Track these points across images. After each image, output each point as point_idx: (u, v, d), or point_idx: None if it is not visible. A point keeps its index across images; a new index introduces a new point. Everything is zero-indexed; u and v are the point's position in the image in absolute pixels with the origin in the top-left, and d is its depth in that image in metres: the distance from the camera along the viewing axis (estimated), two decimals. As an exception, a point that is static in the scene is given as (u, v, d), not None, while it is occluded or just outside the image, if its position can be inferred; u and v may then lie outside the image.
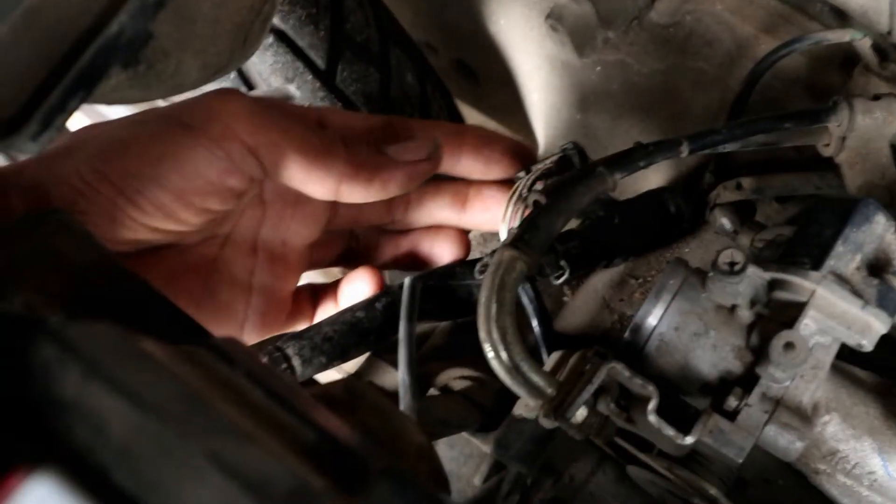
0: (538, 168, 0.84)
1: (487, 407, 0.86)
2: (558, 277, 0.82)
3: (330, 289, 0.85)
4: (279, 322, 0.82)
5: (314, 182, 0.73)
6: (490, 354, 0.71)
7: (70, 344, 0.37)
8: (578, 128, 1.05)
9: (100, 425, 0.37)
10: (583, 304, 0.94)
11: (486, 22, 1.11)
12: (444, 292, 0.85)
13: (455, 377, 0.87)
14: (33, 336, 0.38)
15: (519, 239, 0.71)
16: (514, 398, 0.86)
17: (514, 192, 0.82)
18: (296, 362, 0.79)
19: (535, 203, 0.76)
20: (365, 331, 0.83)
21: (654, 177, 0.98)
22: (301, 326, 0.84)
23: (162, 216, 0.70)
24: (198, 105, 0.70)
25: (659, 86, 0.98)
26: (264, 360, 0.78)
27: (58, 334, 0.38)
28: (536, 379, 0.69)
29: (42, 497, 0.28)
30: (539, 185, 0.82)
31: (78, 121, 1.42)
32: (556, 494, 0.82)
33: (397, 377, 0.88)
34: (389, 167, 0.75)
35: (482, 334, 0.71)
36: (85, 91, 0.47)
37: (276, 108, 0.73)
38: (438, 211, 0.85)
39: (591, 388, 0.67)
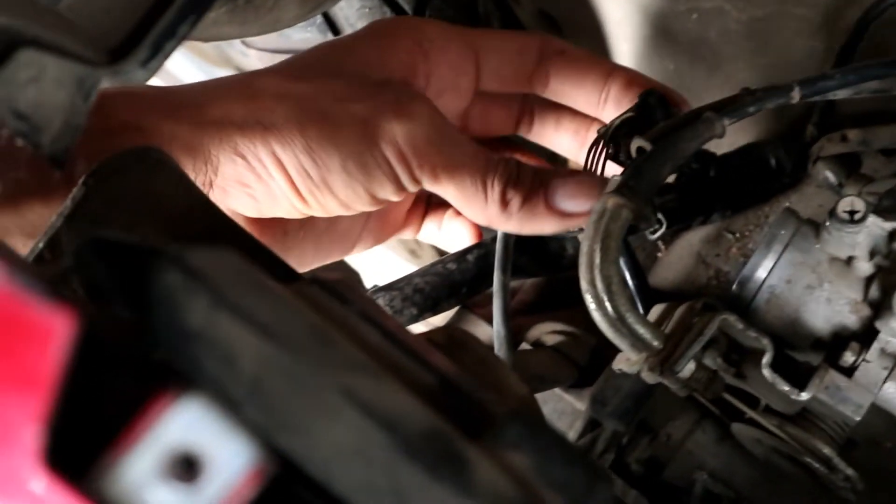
0: (619, 117, 0.81)
1: (581, 363, 0.84)
2: (654, 231, 0.79)
3: (439, 209, 0.86)
4: (389, 235, 0.85)
5: (466, 212, 0.75)
6: (592, 305, 0.68)
7: (196, 271, 0.36)
8: (671, 78, 1.02)
9: (229, 357, 0.35)
10: (677, 259, 0.91)
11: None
12: (537, 246, 0.83)
13: (548, 332, 0.85)
14: (156, 264, 0.36)
15: (624, 185, 0.69)
16: (609, 354, 0.84)
17: (595, 142, 0.79)
18: (387, 313, 0.77)
19: (640, 149, 0.73)
20: (456, 283, 0.81)
21: (752, 129, 0.95)
22: (408, 235, 0.86)
23: (316, 207, 0.72)
24: (379, 114, 0.71)
25: (758, 34, 0.94)
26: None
27: (183, 261, 0.36)
28: (642, 331, 0.67)
29: (190, 421, 0.26)
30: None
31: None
32: (653, 453, 0.80)
33: (488, 331, 0.86)
34: (546, 216, 0.74)
35: (584, 284, 0.69)
36: (195, 16, 0.45)
37: (449, 138, 0.73)
38: (558, 141, 0.84)
39: (701, 341, 0.64)
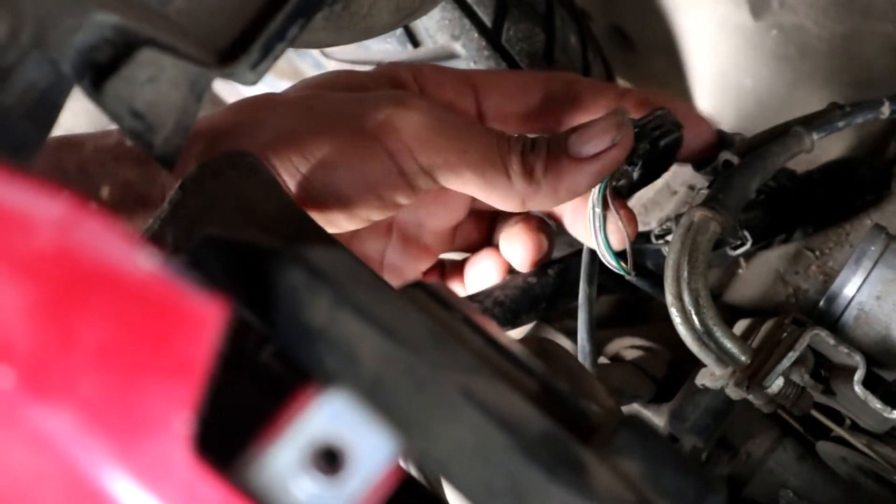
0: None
1: (659, 378, 0.83)
2: (737, 247, 0.78)
3: (457, 267, 0.82)
4: None
5: (495, 200, 0.69)
6: (678, 319, 0.68)
7: (319, 270, 0.36)
8: (749, 95, 1.01)
9: (351, 354, 0.35)
10: (755, 276, 0.90)
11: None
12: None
13: (626, 346, 0.84)
14: (279, 262, 0.37)
15: (713, 198, 0.69)
16: (686, 370, 0.84)
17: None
18: (466, 324, 0.77)
19: (727, 162, 0.72)
20: (536, 297, 0.81)
21: (833, 145, 0.94)
22: None
23: (320, 219, 0.66)
24: (375, 109, 0.66)
25: (840, 50, 0.94)
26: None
27: (306, 260, 0.36)
28: (730, 346, 0.67)
29: (334, 413, 0.26)
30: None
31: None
32: (733, 471, 0.79)
33: (567, 344, 0.85)
34: (573, 169, 0.67)
35: (670, 297, 0.68)
36: (305, 19, 0.46)
37: (453, 123, 0.67)
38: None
39: (792, 356, 0.64)
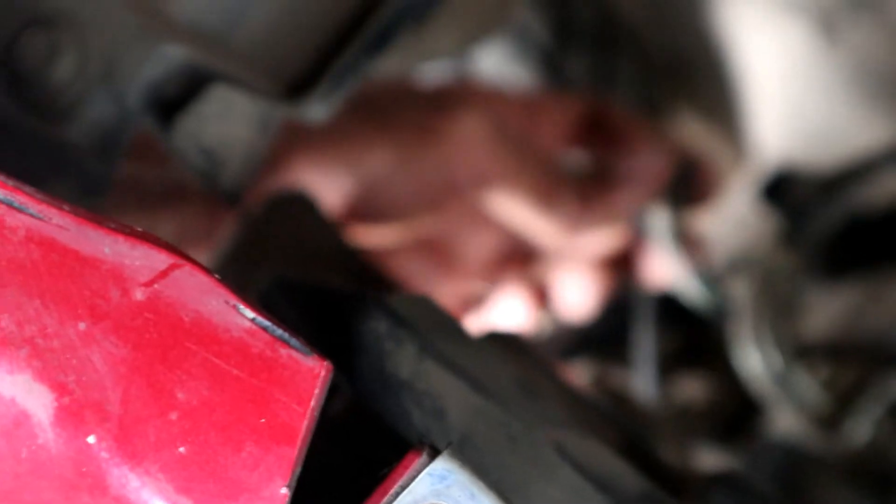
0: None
1: (726, 420, 0.82)
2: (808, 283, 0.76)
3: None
4: None
5: (546, 222, 0.69)
6: (756, 363, 0.67)
7: (403, 318, 0.35)
8: (820, 125, 1.00)
9: (439, 408, 0.34)
10: (829, 312, 0.89)
11: (705, 6, 1.06)
12: (671, 299, 0.81)
13: (691, 387, 0.83)
14: (361, 309, 0.36)
15: (794, 236, 0.67)
16: (754, 411, 0.82)
17: None
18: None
19: (809, 197, 0.71)
20: (588, 337, 0.80)
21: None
22: None
23: (365, 219, 0.66)
24: (438, 110, 0.66)
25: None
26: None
27: (390, 308, 0.35)
28: (812, 392, 0.65)
29: (441, 476, 0.25)
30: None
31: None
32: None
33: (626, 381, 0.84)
34: (622, 191, 0.69)
35: (749, 338, 0.67)
36: (378, 50, 0.45)
37: (514, 137, 0.68)
38: None
39: (882, 402, 0.62)
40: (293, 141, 0.64)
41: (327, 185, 0.63)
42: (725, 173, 0.77)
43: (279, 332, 0.25)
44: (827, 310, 0.88)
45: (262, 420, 0.24)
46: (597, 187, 0.69)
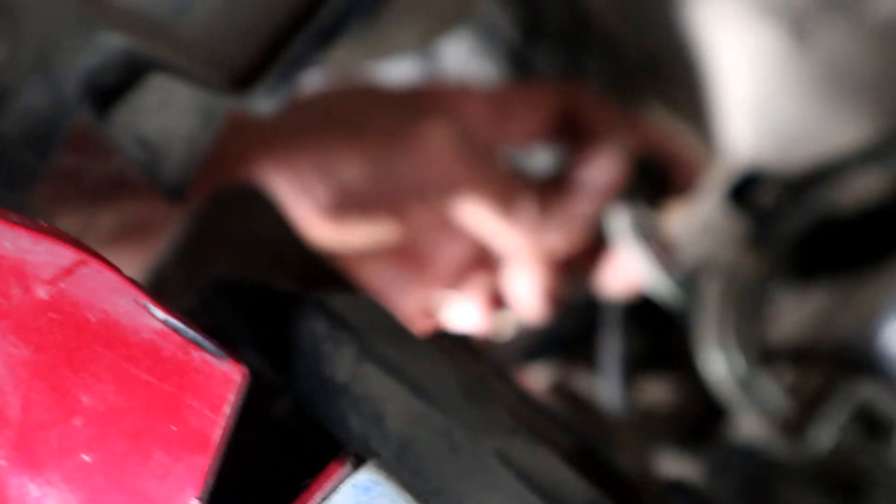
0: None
1: (691, 425, 0.81)
2: (775, 289, 0.75)
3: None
4: None
5: (502, 233, 0.69)
6: (720, 367, 0.66)
7: (343, 319, 0.34)
8: (790, 126, 0.99)
9: (378, 414, 0.33)
10: (792, 318, 0.88)
11: (677, 5, 1.05)
12: (647, 303, 0.80)
13: (655, 391, 0.82)
14: (299, 309, 0.35)
15: (761, 239, 0.67)
16: (720, 416, 0.81)
17: None
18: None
19: (774, 198, 0.70)
20: (552, 339, 0.79)
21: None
22: None
23: (334, 224, 0.66)
24: (407, 115, 0.66)
25: (891, 79, 0.91)
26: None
27: (329, 308, 0.34)
28: (777, 397, 0.64)
29: (366, 487, 0.24)
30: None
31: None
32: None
33: (589, 385, 0.83)
34: (579, 199, 0.69)
35: (713, 342, 0.66)
36: (327, 42, 0.44)
37: (480, 146, 0.68)
38: None
39: (844, 410, 0.61)
40: (258, 142, 0.63)
41: (297, 191, 0.63)
42: (699, 166, 0.76)
43: (192, 334, 0.24)
44: (794, 314, 0.87)
45: (173, 427, 0.22)
46: (557, 192, 0.69)
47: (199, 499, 0.23)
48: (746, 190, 0.78)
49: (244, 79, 0.44)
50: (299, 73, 0.44)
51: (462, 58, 0.92)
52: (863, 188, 0.92)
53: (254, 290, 0.37)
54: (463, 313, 0.78)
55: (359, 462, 0.25)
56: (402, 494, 0.24)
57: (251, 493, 0.30)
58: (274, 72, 0.44)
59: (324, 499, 0.24)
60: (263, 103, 0.44)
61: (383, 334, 0.35)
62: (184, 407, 0.22)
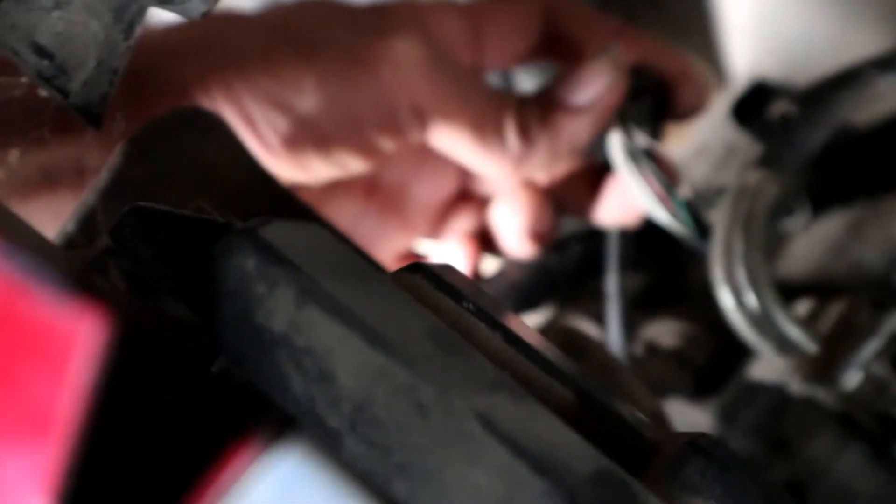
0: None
1: (702, 367, 0.74)
2: (793, 216, 0.68)
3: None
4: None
5: (488, 163, 0.62)
6: (729, 302, 0.60)
7: (277, 252, 0.27)
8: (795, 40, 0.92)
9: (326, 371, 0.26)
10: (809, 247, 0.81)
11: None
12: (648, 235, 0.73)
13: (662, 332, 0.75)
14: (223, 243, 0.28)
15: (771, 158, 0.60)
16: (735, 359, 0.75)
17: None
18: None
19: (784, 116, 0.63)
20: (557, 277, 0.72)
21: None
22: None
23: (290, 162, 0.58)
24: (371, 35, 0.59)
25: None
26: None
27: (259, 238, 0.27)
28: (795, 332, 0.58)
29: (287, 478, 0.17)
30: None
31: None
32: (791, 477, 0.70)
33: (593, 330, 0.76)
34: (570, 120, 0.62)
35: (720, 276, 0.60)
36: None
37: (455, 69, 0.61)
38: None
39: (874, 344, 0.55)
40: (195, 65, 0.56)
41: (244, 122, 0.56)
42: (706, 82, 0.69)
43: (33, 273, 0.17)
44: (803, 243, 0.81)
45: (10, 405, 0.15)
46: (545, 114, 0.62)
47: (53, 493, 0.16)
48: (754, 106, 0.71)
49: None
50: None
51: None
52: (881, 106, 0.85)
53: (174, 221, 0.30)
54: (446, 258, 0.71)
55: (277, 438, 0.18)
56: (341, 484, 0.18)
57: (178, 473, 0.23)
58: (202, -36, 0.36)
59: (234, 486, 0.17)
60: (193, 5, 0.37)
61: (332, 270, 0.28)
62: (23, 371, 0.16)
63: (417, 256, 0.73)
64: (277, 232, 0.28)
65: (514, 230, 0.68)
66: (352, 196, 0.67)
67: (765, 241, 0.59)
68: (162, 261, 0.31)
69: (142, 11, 0.36)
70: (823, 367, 0.57)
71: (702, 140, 0.95)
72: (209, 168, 0.49)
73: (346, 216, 0.67)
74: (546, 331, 0.58)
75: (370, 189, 0.68)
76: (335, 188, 0.65)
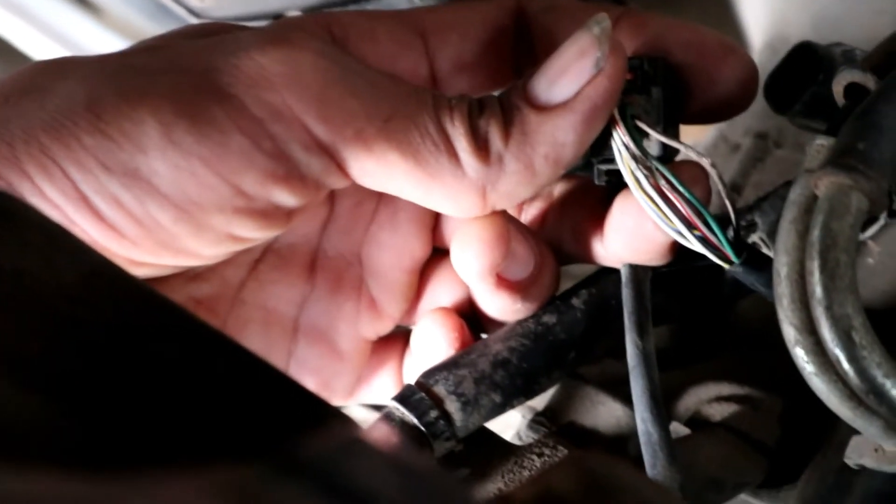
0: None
1: (771, 445, 0.56)
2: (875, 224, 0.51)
3: (402, 338, 0.59)
4: (342, 383, 0.56)
5: (443, 199, 0.49)
6: (811, 367, 0.43)
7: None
8: (815, 5, 0.79)
9: None
10: (887, 260, 0.66)
11: None
12: (677, 275, 0.56)
13: (710, 399, 0.58)
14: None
15: (848, 152, 0.42)
16: (813, 428, 0.57)
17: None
18: (452, 408, 0.51)
19: (853, 89, 0.45)
20: (560, 344, 0.54)
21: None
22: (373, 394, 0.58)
23: (152, 245, 0.46)
24: (236, 53, 0.46)
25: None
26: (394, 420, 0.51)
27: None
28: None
29: None
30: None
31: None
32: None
33: (614, 409, 0.59)
34: (546, 123, 0.48)
35: (792, 332, 0.43)
36: None
37: (368, 76, 0.48)
38: None
39: None
40: (4, 129, 0.44)
41: (79, 196, 0.45)
42: (742, 55, 0.52)
43: None
44: (887, 256, 0.65)
45: None
46: (507, 119, 0.48)
47: None
48: (791, 80, 0.54)
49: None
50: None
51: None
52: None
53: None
54: (426, 344, 0.56)
55: None
56: None
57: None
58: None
59: None
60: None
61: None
62: None
63: (392, 341, 0.59)
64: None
65: (473, 274, 0.52)
66: (288, 277, 0.55)
67: (854, 276, 0.40)
68: None
69: None
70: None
71: (739, 133, 0.78)
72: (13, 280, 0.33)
73: (287, 303, 0.56)
74: (559, 471, 0.40)
75: (310, 265, 0.56)
76: (257, 271, 0.54)
